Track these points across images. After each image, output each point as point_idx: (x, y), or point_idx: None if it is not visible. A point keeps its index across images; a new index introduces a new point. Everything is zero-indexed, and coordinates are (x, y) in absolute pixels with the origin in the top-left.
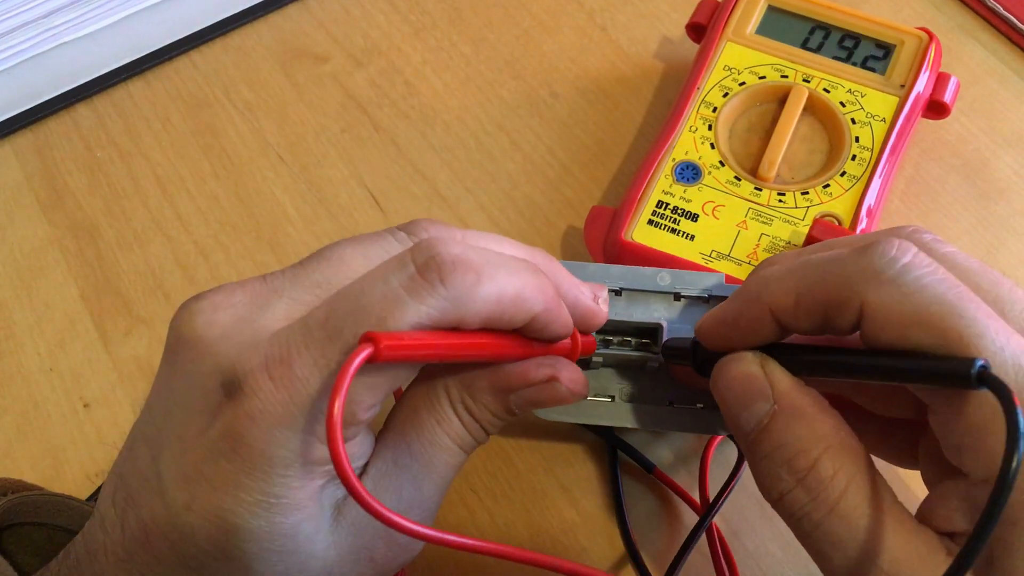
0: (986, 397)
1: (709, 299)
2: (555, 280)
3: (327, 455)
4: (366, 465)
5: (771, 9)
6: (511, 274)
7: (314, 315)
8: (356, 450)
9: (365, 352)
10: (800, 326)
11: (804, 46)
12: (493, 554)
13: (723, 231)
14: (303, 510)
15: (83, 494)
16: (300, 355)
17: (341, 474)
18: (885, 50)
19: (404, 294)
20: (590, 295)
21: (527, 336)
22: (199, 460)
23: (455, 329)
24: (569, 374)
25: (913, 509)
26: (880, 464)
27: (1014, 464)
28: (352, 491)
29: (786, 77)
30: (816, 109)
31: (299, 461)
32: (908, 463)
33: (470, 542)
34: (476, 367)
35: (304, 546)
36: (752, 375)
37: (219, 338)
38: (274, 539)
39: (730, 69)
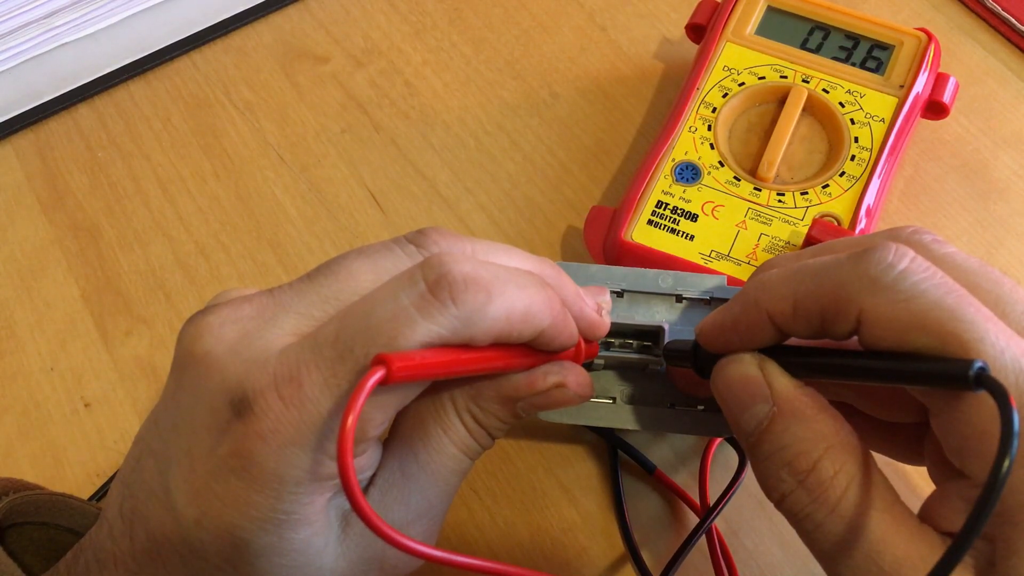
0: (986, 400)
1: (711, 301)
2: (561, 292)
3: (336, 470)
4: (374, 476)
5: (770, 10)
6: (520, 290)
7: (323, 332)
8: (365, 462)
9: (377, 375)
10: (798, 331)
11: (803, 46)
12: (495, 574)
13: (722, 231)
14: (313, 525)
15: (84, 494)
16: (310, 374)
17: (355, 506)
18: (884, 50)
19: (414, 312)
20: (594, 306)
21: (533, 347)
22: (208, 477)
23: (464, 346)
24: (575, 377)
25: (917, 505)
26: (883, 461)
27: (1005, 466)
28: (367, 521)
29: (785, 78)
30: (815, 109)
31: (309, 478)
32: (914, 461)
33: (477, 562)
34: (482, 377)
35: (314, 559)
36: (751, 377)
37: (226, 354)
38: (285, 554)
39: (729, 69)
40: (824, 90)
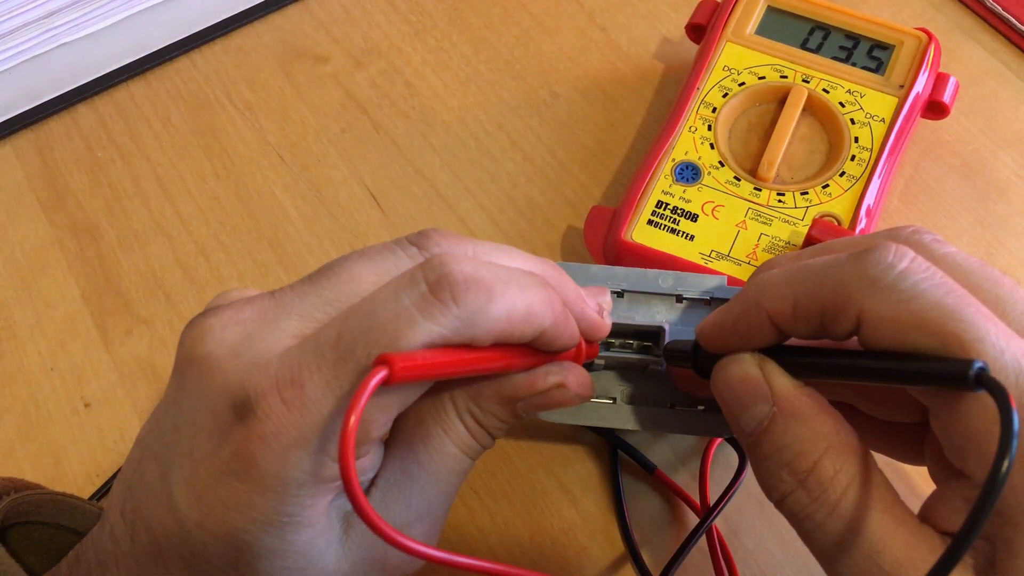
0: (986, 400)
1: (711, 301)
2: (562, 293)
3: (338, 472)
4: (375, 477)
5: (770, 9)
6: (521, 290)
7: (325, 334)
8: (366, 463)
9: (380, 375)
10: (798, 331)
11: (803, 46)
12: (496, 574)
13: (723, 231)
14: (315, 526)
15: (84, 494)
16: (312, 376)
17: (357, 507)
18: (884, 50)
19: (416, 313)
20: (595, 306)
21: (534, 348)
22: (210, 479)
23: (466, 346)
24: (576, 377)
25: (917, 505)
26: (883, 461)
27: (1004, 466)
28: (369, 522)
29: (785, 77)
30: (815, 109)
31: (311, 480)
32: (914, 461)
33: (477, 563)
34: (482, 377)
35: (316, 561)
36: (751, 377)
37: (228, 357)
38: (287, 556)
39: (730, 69)
40: (824, 90)
